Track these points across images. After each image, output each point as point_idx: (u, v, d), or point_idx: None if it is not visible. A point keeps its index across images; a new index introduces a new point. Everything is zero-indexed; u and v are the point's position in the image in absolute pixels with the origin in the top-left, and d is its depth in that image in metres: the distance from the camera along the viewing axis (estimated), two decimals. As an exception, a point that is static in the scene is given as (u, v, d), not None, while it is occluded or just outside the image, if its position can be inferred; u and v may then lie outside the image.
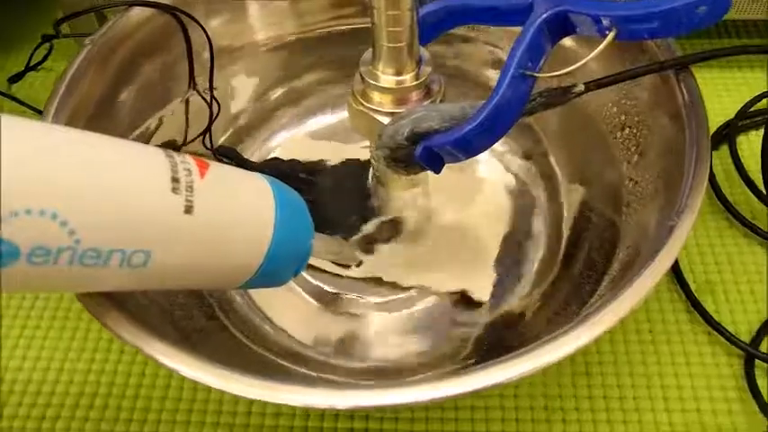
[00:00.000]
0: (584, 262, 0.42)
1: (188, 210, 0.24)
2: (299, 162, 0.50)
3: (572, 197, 0.47)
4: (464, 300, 0.44)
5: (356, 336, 0.43)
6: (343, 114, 0.50)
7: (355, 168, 0.49)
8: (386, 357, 0.42)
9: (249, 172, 0.29)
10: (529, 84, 0.33)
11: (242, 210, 0.27)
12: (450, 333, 0.42)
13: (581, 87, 0.36)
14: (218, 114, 0.50)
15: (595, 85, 0.37)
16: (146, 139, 0.45)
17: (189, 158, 0.25)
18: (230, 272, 0.28)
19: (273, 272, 0.29)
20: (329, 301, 0.44)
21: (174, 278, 0.26)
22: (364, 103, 0.37)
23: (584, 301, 0.38)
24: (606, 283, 0.37)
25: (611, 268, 0.38)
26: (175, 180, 0.24)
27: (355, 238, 0.46)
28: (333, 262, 0.42)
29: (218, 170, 0.27)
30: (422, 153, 0.34)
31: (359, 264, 0.44)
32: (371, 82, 0.36)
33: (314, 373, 0.40)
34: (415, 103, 0.37)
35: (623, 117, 0.43)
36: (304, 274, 0.46)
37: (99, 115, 0.41)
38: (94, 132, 0.24)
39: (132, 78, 0.44)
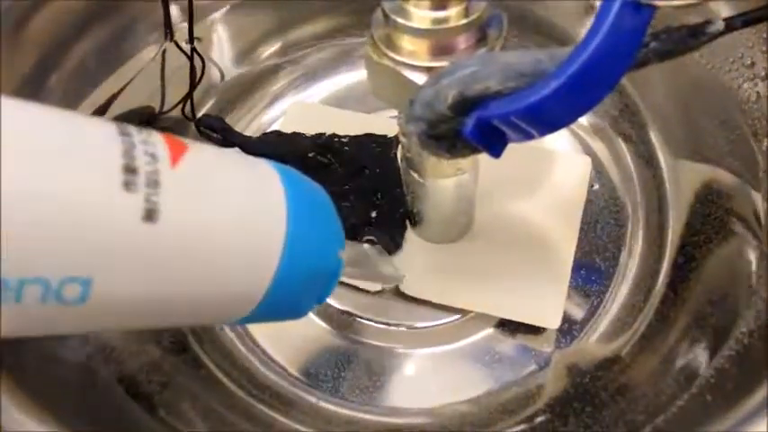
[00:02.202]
0: (703, 286, 0.33)
1: (149, 215, 0.18)
2: (306, 137, 0.41)
3: (681, 191, 0.38)
4: (529, 330, 0.35)
5: (379, 376, 0.35)
6: (363, 73, 0.39)
7: (379, 147, 0.41)
8: (420, 407, 0.34)
9: (247, 156, 0.25)
10: (645, 18, 0.24)
11: (235, 213, 0.21)
12: (511, 376, 0.35)
13: (720, 25, 0.26)
14: (202, 73, 0.41)
15: (741, 21, 0.27)
16: (101, 107, 0.38)
17: (156, 137, 0.20)
18: (218, 304, 0.22)
19: (285, 302, 0.24)
20: (343, 326, 0.37)
21: (131, 316, 0.20)
22: (389, 54, 0.29)
23: (714, 344, 0.29)
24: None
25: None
26: (130, 170, 0.18)
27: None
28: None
29: (200, 154, 0.21)
30: (474, 128, 0.26)
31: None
32: (399, 21, 0.28)
33: None
34: (463, 52, 0.29)
35: (763, 72, 0.33)
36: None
37: (33, 76, 0.34)
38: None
39: (85, 23, 0.36)
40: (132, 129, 0.20)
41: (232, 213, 0.21)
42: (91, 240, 0.18)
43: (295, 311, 0.25)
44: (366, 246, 0.32)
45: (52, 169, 0.17)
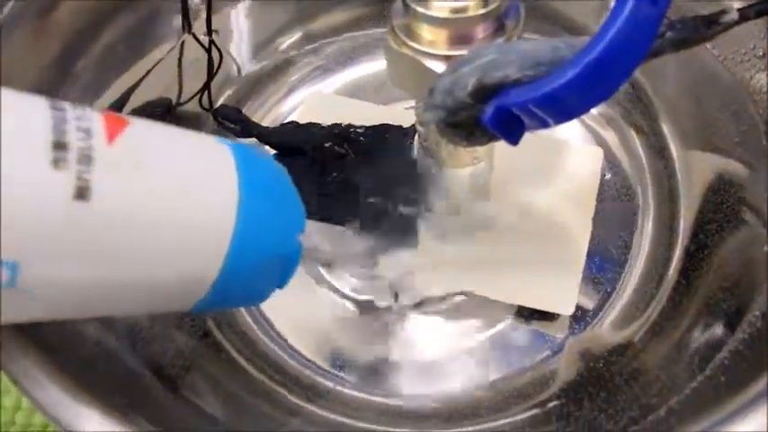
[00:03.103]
0: (715, 274, 0.33)
1: (81, 193, 0.17)
2: (322, 127, 0.41)
3: (692, 181, 0.37)
4: (543, 317, 0.35)
5: (395, 361, 0.35)
6: (380, 64, 0.41)
7: (396, 137, 0.40)
8: (435, 392, 0.34)
9: (198, 133, 0.22)
10: (661, 9, 0.24)
11: (178, 191, 0.20)
12: (525, 362, 0.35)
13: (734, 15, 0.26)
14: (219, 65, 0.41)
15: (755, 11, 0.27)
16: (121, 98, 0.37)
17: (92, 114, 0.19)
18: (164, 290, 0.21)
19: (239, 288, 0.22)
20: (361, 313, 0.37)
21: (69, 304, 0.19)
22: (408, 43, 0.29)
23: (726, 329, 0.29)
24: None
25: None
26: (60, 146, 0.17)
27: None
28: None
29: (142, 130, 0.20)
30: (493, 116, 0.26)
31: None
32: (419, 10, 0.28)
33: (334, 416, 0.33)
34: (482, 41, 0.29)
35: None
36: (323, 273, 0.37)
37: (57, 66, 0.34)
38: None
39: (108, 14, 0.36)
40: (67, 105, 0.18)
41: (175, 192, 0.20)
42: (15, 221, 0.16)
43: (252, 298, 0.24)
44: (338, 227, 0.31)
45: None
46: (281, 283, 0.24)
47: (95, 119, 0.18)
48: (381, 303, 0.36)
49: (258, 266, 0.22)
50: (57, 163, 0.17)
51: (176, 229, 0.19)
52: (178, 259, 0.20)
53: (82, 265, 0.18)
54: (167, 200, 0.19)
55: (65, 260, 0.17)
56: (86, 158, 0.17)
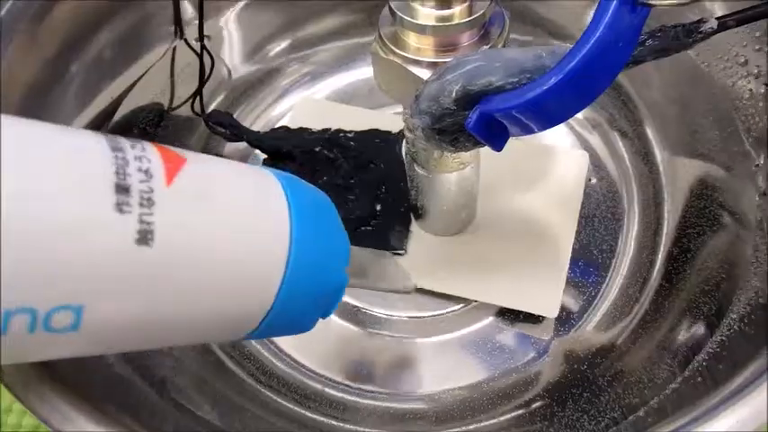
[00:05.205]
0: (697, 277, 0.33)
1: (144, 237, 0.17)
2: (312, 132, 0.41)
3: (676, 185, 0.38)
4: (529, 319, 0.36)
5: (383, 363, 0.35)
6: (368, 70, 0.40)
7: (384, 142, 0.41)
8: (422, 393, 0.35)
9: (247, 165, 0.22)
10: (641, 17, 0.24)
11: (234, 231, 0.20)
12: (510, 363, 0.35)
13: (713, 24, 0.26)
14: (211, 71, 0.42)
15: (735, 20, 0.27)
16: (114, 102, 0.37)
17: (150, 149, 0.18)
18: (218, 325, 0.21)
19: (288, 319, 0.22)
20: (349, 316, 0.37)
21: (128, 341, 0.19)
22: (395, 51, 0.29)
23: (706, 331, 0.29)
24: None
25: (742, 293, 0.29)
26: (123, 189, 0.17)
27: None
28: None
29: (197, 168, 0.19)
30: (477, 122, 0.26)
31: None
32: (406, 18, 0.28)
33: (322, 418, 0.33)
34: (467, 48, 0.29)
35: (756, 70, 0.33)
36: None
37: (48, 68, 0.33)
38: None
39: (100, 20, 0.36)
40: (124, 142, 0.18)
41: (231, 232, 0.20)
42: (81, 267, 0.16)
43: (299, 327, 0.24)
44: (372, 251, 0.30)
45: (37, 194, 0.16)
46: (326, 312, 0.24)
47: (154, 158, 0.18)
48: (369, 307, 0.36)
49: (306, 300, 0.22)
50: (120, 207, 0.16)
51: (234, 264, 0.19)
52: (231, 297, 0.20)
53: (142, 306, 0.18)
54: (225, 236, 0.19)
55: (127, 302, 0.17)
56: (147, 201, 0.17)
